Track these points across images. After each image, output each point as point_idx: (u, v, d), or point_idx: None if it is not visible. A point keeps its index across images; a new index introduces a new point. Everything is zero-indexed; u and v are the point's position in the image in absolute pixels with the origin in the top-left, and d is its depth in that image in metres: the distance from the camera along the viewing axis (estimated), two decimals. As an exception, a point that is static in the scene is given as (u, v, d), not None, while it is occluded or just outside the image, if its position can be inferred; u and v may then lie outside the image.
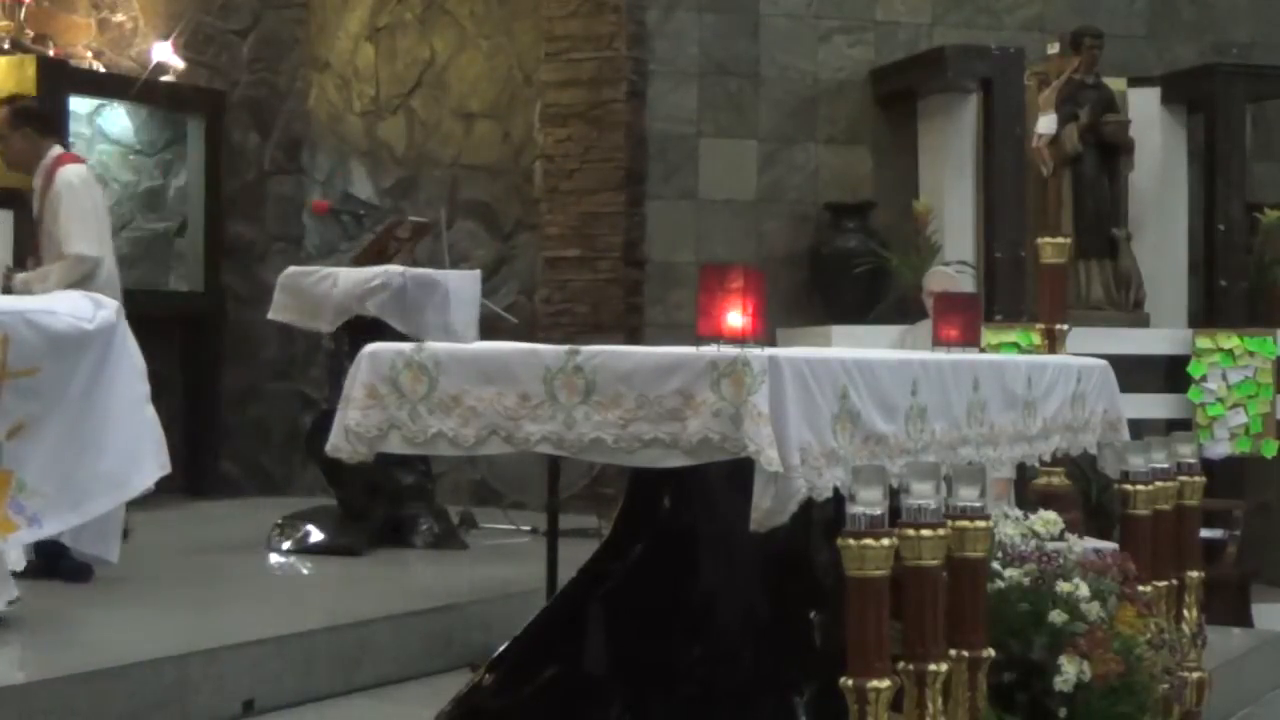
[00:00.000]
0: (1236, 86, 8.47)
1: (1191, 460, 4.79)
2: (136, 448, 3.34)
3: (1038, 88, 8.28)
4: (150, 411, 3.39)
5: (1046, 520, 4.53)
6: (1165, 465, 4.62)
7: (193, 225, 8.89)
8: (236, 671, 4.53)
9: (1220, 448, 7.97)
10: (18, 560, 3.98)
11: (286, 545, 6.48)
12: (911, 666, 3.31)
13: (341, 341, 6.62)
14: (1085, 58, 8.32)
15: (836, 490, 3.49)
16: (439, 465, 7.03)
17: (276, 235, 8.96)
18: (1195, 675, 4.63)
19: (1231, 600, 7.54)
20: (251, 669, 4.58)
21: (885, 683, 3.15)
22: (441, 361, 3.80)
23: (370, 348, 3.93)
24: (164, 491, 3.61)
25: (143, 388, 3.38)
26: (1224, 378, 8.06)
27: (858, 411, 3.69)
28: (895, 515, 3.26)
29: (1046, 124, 8.16)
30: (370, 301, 6.32)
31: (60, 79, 8.04)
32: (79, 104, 8.42)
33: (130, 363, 3.35)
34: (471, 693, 4.10)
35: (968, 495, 3.47)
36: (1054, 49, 8.35)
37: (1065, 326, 6.04)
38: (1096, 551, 4.39)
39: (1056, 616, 4.00)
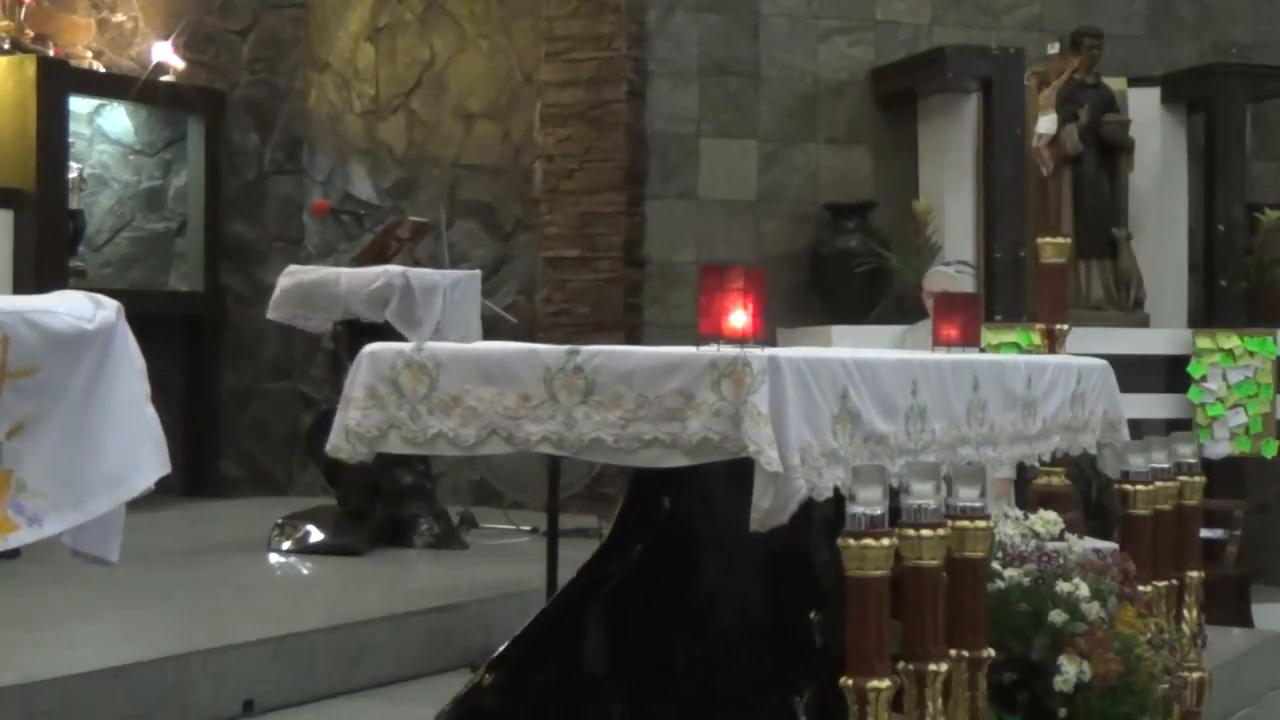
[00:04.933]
0: (1236, 86, 8.46)
1: (1191, 460, 4.79)
2: (136, 447, 3.32)
3: (1038, 88, 8.28)
4: (150, 411, 3.37)
5: (1046, 520, 4.53)
6: (1165, 465, 4.62)
7: (193, 225, 8.88)
8: (236, 671, 4.53)
9: (1220, 448, 7.97)
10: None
11: (286, 545, 6.48)
12: (911, 666, 3.31)
13: (341, 341, 6.62)
14: (1085, 58, 8.32)
15: (836, 490, 3.49)
16: (439, 465, 7.02)
17: (276, 235, 8.96)
18: (1195, 675, 4.63)
19: (1231, 600, 7.53)
20: (251, 669, 4.58)
21: (885, 683, 3.15)
22: (441, 361, 3.80)
23: (370, 348, 3.93)
24: (164, 491, 3.59)
25: (143, 387, 3.36)
26: (1224, 378, 8.06)
27: (858, 411, 3.69)
28: (895, 515, 3.26)
29: (1046, 124, 8.16)
30: (386, 311, 6.31)
31: (60, 79, 8.04)
32: (79, 104, 8.41)
33: (130, 363, 3.33)
34: (471, 693, 4.10)
35: (968, 495, 3.47)
36: (1054, 49, 8.34)
37: (1065, 326, 6.04)
38: (1096, 551, 4.39)
39: (1056, 616, 4.01)
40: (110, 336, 3.26)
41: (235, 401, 8.91)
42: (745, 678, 3.90)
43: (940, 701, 3.34)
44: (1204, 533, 5.80)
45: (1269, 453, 8.07)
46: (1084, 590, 4.08)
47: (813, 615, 3.93)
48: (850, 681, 3.15)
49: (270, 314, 6.69)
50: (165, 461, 3.36)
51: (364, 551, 6.42)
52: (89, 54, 8.84)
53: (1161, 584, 4.55)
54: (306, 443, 7.40)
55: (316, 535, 6.50)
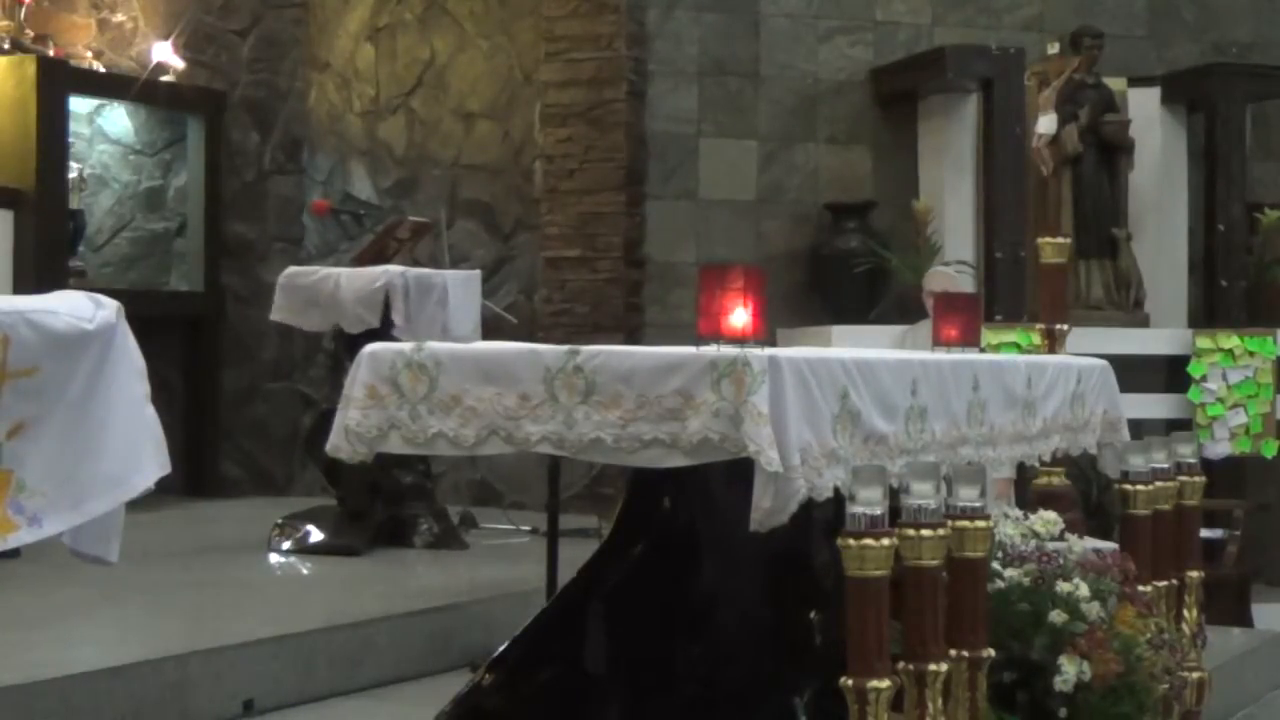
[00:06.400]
0: (1236, 86, 8.46)
1: (1191, 460, 4.79)
2: (136, 448, 3.32)
3: (1038, 88, 8.28)
4: (150, 411, 3.38)
5: (1046, 520, 4.53)
6: (1165, 465, 4.62)
7: (193, 225, 8.88)
8: (236, 671, 4.53)
9: (1220, 448, 7.97)
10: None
11: (286, 545, 6.48)
12: (911, 666, 3.31)
13: (341, 341, 6.62)
14: (1085, 58, 8.32)
15: (836, 490, 3.49)
16: (439, 465, 7.02)
17: (276, 235, 8.96)
18: (1195, 675, 4.63)
19: (1231, 600, 7.53)
20: (251, 669, 4.58)
21: (885, 683, 3.15)
22: (441, 361, 3.79)
23: (370, 348, 3.93)
24: (164, 491, 3.60)
25: (143, 388, 3.36)
26: (1224, 378, 8.06)
27: (858, 411, 3.69)
28: (895, 515, 3.26)
29: (1046, 124, 8.16)
30: (394, 314, 6.30)
31: (60, 79, 8.04)
32: (79, 104, 8.41)
33: (130, 363, 3.33)
34: (471, 693, 4.10)
35: (968, 495, 3.47)
36: (1054, 49, 8.35)
37: (1065, 326, 6.04)
38: (1096, 551, 4.39)
39: (1056, 616, 4.00)
40: (110, 336, 3.26)
41: (235, 401, 8.91)
42: (745, 678, 3.90)
43: (940, 701, 3.34)
44: (1204, 533, 5.80)
45: (1269, 453, 8.06)
46: (1084, 590, 4.07)
47: (813, 615, 3.93)
48: (850, 681, 3.14)
49: (273, 316, 6.69)
50: (165, 461, 3.36)
51: (364, 551, 6.42)
52: (89, 54, 8.84)
53: (1161, 584, 4.54)
54: (306, 443, 7.40)
55: (316, 535, 6.50)
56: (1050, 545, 4.34)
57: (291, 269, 6.84)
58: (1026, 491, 6.21)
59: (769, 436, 3.36)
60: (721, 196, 8.48)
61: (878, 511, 3.13)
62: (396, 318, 6.28)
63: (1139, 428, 5.61)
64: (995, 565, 4.09)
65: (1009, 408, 4.50)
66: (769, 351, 3.50)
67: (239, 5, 9.04)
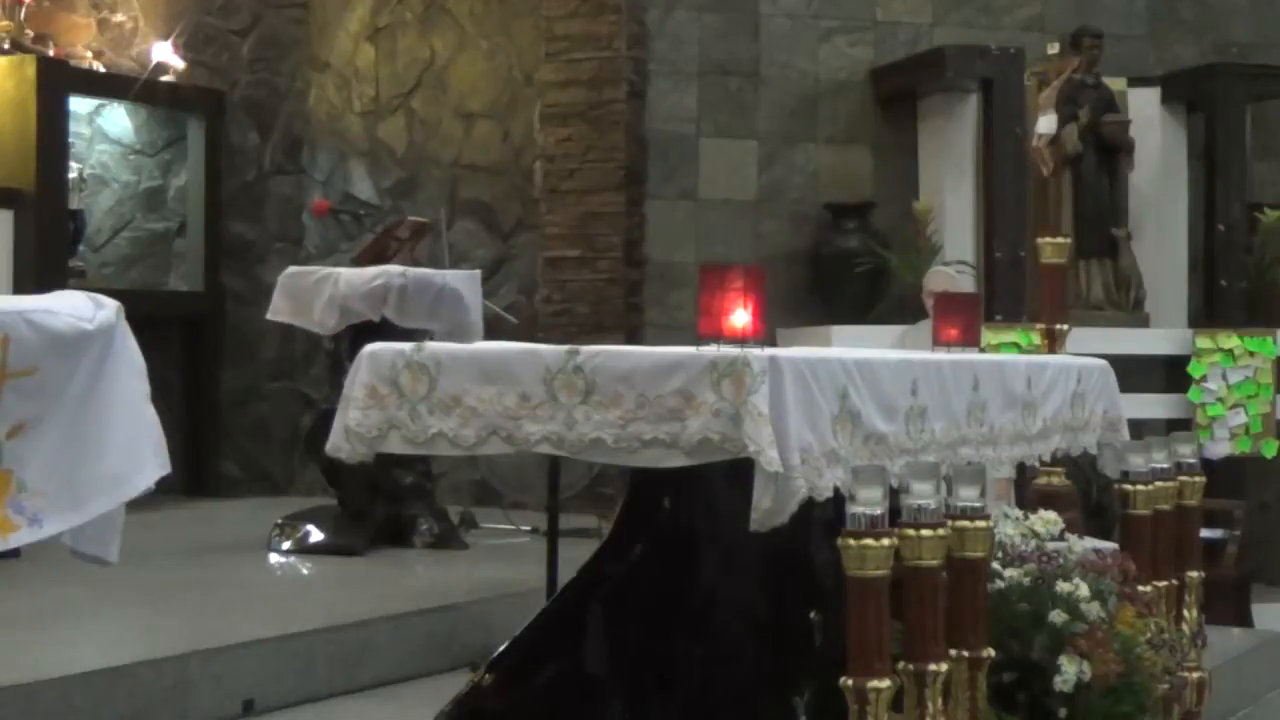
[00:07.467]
0: (1236, 86, 8.46)
1: (1191, 460, 4.79)
2: (137, 447, 3.33)
3: (1038, 88, 8.28)
4: (150, 411, 3.38)
5: (1046, 520, 4.53)
6: (1165, 465, 4.62)
7: (193, 225, 8.88)
8: (236, 671, 4.53)
9: (1220, 448, 7.97)
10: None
11: (286, 545, 6.48)
12: (911, 666, 3.31)
13: (341, 341, 6.61)
14: (1085, 58, 8.32)
15: (836, 490, 3.49)
16: (439, 465, 7.02)
17: (276, 235, 8.96)
18: (1195, 675, 4.63)
19: (1231, 600, 7.53)
20: (251, 669, 4.58)
21: (885, 683, 3.15)
22: (441, 361, 3.80)
23: (370, 348, 3.93)
24: (164, 491, 3.60)
25: (143, 387, 3.36)
26: (1224, 378, 8.06)
27: (858, 411, 3.69)
28: (895, 515, 3.26)
29: (1046, 124, 8.16)
30: (385, 308, 6.31)
31: (60, 79, 8.04)
32: (79, 104, 8.42)
33: (130, 362, 3.34)
34: (471, 693, 4.10)
35: (968, 495, 3.47)
36: (1054, 49, 8.34)
37: (1065, 326, 6.05)
38: (1096, 551, 4.39)
39: (1056, 616, 4.01)
40: (110, 336, 3.27)
41: (235, 401, 8.91)
42: (745, 678, 3.90)
43: (940, 701, 3.34)
44: (1204, 533, 5.80)
45: (1269, 453, 8.07)
46: (1084, 590, 4.07)
47: (813, 615, 3.93)
48: (850, 681, 3.14)
49: (270, 316, 6.69)
50: (165, 461, 3.37)
51: (364, 551, 6.42)
52: (89, 54, 8.84)
53: (1161, 584, 4.54)
54: (306, 443, 7.39)
55: (316, 535, 6.50)
56: (1050, 545, 4.35)
57: (291, 269, 6.84)
58: (1026, 491, 6.21)
59: (769, 436, 3.36)
60: (721, 196, 8.48)
61: (878, 511, 3.13)
62: (390, 314, 6.29)
63: (1139, 428, 5.61)
64: (995, 565, 4.09)
65: (1009, 408, 4.50)
66: (769, 351, 3.50)
67: (239, 5, 9.04)
